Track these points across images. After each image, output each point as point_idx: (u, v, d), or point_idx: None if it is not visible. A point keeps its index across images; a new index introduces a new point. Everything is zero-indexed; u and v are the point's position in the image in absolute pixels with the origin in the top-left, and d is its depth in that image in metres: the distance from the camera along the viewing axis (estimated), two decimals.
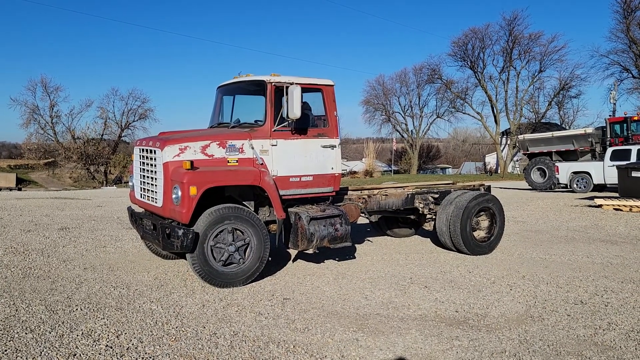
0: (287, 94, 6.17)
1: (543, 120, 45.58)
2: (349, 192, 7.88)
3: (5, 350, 3.97)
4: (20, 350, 3.98)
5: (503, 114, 45.85)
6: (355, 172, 46.74)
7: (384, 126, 55.40)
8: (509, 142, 45.34)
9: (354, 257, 7.61)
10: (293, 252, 7.76)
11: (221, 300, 5.42)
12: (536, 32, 42.77)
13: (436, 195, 8.14)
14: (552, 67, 43.37)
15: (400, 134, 55.46)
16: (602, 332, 4.56)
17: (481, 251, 7.86)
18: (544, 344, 4.27)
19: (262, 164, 6.24)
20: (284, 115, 6.26)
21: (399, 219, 9.34)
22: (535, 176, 21.36)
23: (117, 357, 3.92)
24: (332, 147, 6.81)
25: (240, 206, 6.03)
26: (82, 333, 4.37)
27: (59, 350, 4.00)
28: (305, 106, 6.69)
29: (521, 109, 45.36)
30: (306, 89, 6.64)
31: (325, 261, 7.33)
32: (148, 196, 6.39)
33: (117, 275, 6.40)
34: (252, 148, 6.23)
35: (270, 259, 6.47)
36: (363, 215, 7.86)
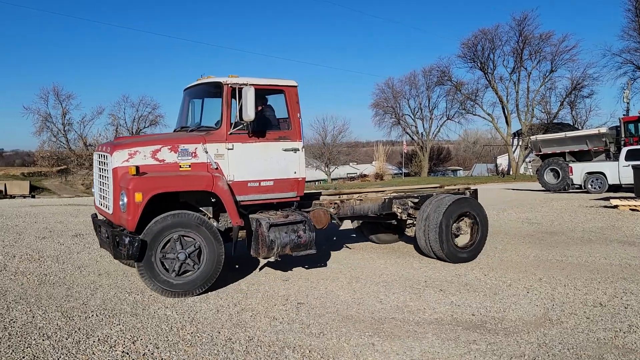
0: (240, 95, 6.01)
1: (555, 121, 45.22)
2: (321, 197, 7.48)
3: (24, 357, 3.99)
4: (38, 357, 4.00)
5: (514, 114, 45.63)
6: (365, 175, 46.72)
7: (393, 129, 55.38)
8: (520, 143, 45.03)
9: (359, 262, 7.55)
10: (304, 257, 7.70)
11: (235, 305, 5.42)
12: (547, 32, 42.62)
13: (416, 200, 7.74)
14: (563, 66, 43.10)
15: (410, 136, 55.36)
16: (622, 334, 4.48)
17: (461, 258, 7.40)
18: (564, 348, 4.21)
19: (217, 168, 6.04)
20: (238, 118, 6.09)
21: (381, 224, 8.94)
22: (549, 177, 21.13)
23: None
24: (295, 150, 6.58)
25: (188, 212, 5.76)
26: (99, 339, 4.39)
27: (76, 357, 4.02)
28: (267, 108, 6.57)
29: (533, 110, 45.08)
30: (268, 90, 6.51)
31: (339, 265, 7.29)
32: (104, 203, 6.19)
33: (131, 281, 6.43)
34: (206, 152, 6.03)
35: (279, 259, 6.43)
36: (334, 222, 7.44)
